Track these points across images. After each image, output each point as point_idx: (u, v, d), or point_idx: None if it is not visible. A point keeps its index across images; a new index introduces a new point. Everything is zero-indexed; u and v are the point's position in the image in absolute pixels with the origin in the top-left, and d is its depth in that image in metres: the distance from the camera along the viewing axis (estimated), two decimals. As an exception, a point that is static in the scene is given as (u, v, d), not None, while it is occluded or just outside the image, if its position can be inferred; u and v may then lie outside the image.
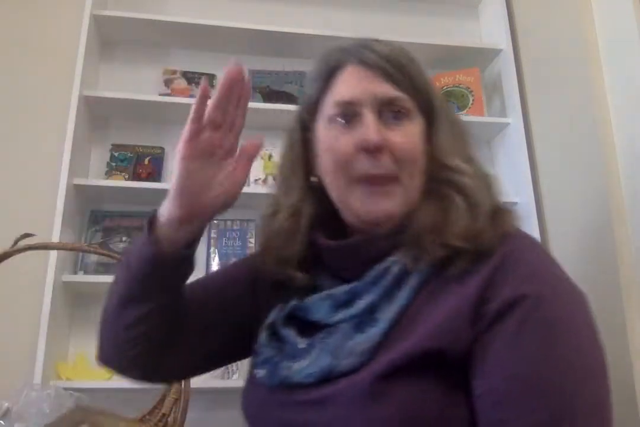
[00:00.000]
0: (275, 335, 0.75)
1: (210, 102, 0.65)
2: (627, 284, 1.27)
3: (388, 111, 0.72)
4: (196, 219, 0.69)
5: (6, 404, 0.91)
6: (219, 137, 0.67)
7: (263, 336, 0.75)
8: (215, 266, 1.74)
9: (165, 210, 0.68)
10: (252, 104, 2.14)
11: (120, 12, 1.81)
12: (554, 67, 1.69)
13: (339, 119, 0.73)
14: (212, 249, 1.77)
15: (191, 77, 1.89)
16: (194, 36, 1.88)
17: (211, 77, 1.90)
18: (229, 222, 1.81)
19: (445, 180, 0.71)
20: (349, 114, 0.72)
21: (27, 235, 1.06)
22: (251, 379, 0.76)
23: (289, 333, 0.73)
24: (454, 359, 0.62)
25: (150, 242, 0.68)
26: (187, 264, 0.72)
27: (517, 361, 0.60)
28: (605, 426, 0.59)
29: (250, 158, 0.69)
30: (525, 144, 1.76)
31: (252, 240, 1.79)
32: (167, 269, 0.70)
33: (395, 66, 0.72)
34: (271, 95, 1.89)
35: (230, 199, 0.69)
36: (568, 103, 1.58)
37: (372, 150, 0.69)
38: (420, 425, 0.61)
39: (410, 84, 0.73)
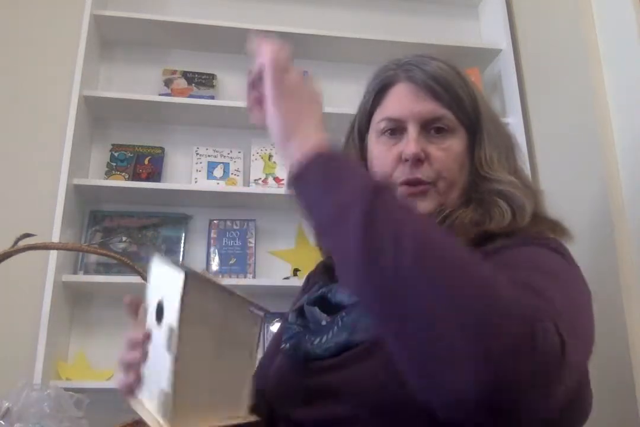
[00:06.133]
0: (301, 315, 0.81)
1: None
2: (627, 284, 1.26)
3: (432, 127, 0.78)
4: None
5: (6, 404, 0.91)
6: None
7: (291, 316, 0.82)
8: (215, 266, 1.74)
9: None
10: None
11: (120, 12, 1.81)
12: (554, 67, 1.69)
13: (387, 133, 0.80)
14: (212, 249, 1.76)
15: (191, 77, 1.89)
16: (194, 36, 1.88)
17: (211, 77, 1.91)
18: (229, 222, 1.80)
19: (488, 190, 0.75)
20: (396, 128, 0.79)
21: (27, 235, 1.06)
22: (276, 351, 0.82)
23: (314, 310, 0.78)
24: None
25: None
26: None
27: (503, 261, 0.62)
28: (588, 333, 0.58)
29: None
30: (525, 144, 1.75)
31: (252, 240, 1.79)
32: None
33: (441, 85, 0.78)
34: (271, 95, 1.89)
35: None
36: (568, 103, 1.58)
37: (411, 161, 0.76)
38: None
39: (455, 102, 0.78)
